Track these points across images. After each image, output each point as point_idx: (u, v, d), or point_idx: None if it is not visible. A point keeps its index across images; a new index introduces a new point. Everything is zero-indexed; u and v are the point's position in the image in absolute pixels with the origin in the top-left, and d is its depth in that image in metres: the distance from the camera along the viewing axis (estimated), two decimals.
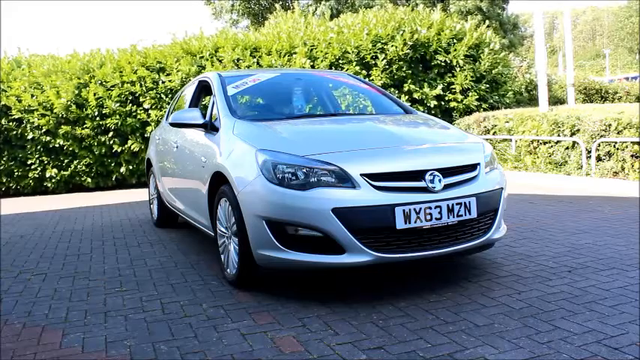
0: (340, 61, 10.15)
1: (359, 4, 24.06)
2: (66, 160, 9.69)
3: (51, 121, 9.35)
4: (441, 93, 10.27)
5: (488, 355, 2.17)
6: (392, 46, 10.02)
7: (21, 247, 4.87)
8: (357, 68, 10.00)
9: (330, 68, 9.90)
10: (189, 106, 4.69)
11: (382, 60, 9.99)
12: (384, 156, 2.95)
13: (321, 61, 10.04)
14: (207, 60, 9.83)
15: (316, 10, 24.78)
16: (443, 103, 10.44)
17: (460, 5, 25.65)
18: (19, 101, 9.43)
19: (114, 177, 9.84)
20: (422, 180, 2.83)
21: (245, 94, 4.66)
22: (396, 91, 10.19)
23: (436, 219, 2.79)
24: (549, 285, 3.01)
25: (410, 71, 10.24)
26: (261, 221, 2.85)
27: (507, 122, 8.75)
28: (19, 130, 9.51)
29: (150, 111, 9.56)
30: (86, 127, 9.47)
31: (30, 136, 9.47)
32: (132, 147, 9.60)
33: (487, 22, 12.92)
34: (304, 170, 2.80)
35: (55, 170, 9.61)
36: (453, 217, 2.84)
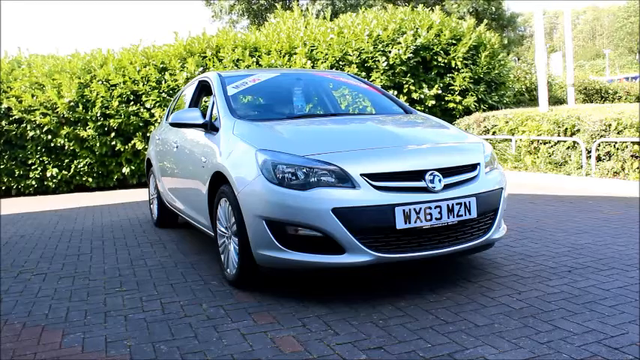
0: (340, 63, 10.14)
1: (359, 3, 24.00)
2: (66, 160, 9.69)
3: (53, 121, 9.35)
4: (440, 92, 10.26)
5: (488, 355, 2.17)
6: (394, 48, 10.01)
7: (21, 247, 4.87)
8: (357, 70, 9.99)
9: (331, 69, 9.90)
10: (189, 106, 4.68)
11: (383, 63, 9.98)
12: (384, 156, 2.95)
13: (322, 62, 10.04)
14: (210, 60, 9.85)
15: (318, 12, 24.68)
16: (442, 103, 10.43)
17: (453, 9, 25.57)
18: (20, 102, 9.42)
19: (115, 177, 9.84)
20: (422, 180, 2.83)
21: (245, 94, 4.66)
22: (396, 92, 10.18)
23: (436, 219, 2.79)
24: (549, 285, 3.02)
25: (412, 78, 10.21)
26: (261, 221, 2.85)
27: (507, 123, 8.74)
28: (19, 130, 9.50)
29: (153, 110, 9.57)
30: (89, 128, 9.46)
31: (30, 135, 9.45)
32: (135, 146, 9.60)
33: (485, 21, 12.91)
34: (304, 170, 2.80)
35: (55, 170, 9.61)
36: (453, 217, 2.84)
